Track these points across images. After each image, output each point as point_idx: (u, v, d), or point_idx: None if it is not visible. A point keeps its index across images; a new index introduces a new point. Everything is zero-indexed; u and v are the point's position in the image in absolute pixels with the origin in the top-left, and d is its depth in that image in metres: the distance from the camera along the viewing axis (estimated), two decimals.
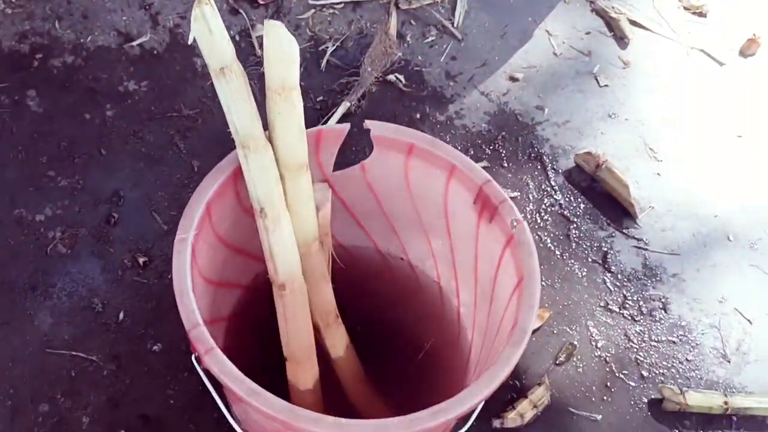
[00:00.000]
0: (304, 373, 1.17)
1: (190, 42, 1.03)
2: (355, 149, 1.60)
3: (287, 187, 1.10)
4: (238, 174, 1.10)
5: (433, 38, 1.89)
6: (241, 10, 1.81)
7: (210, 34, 1.00)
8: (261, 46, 1.76)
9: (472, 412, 1.11)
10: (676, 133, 1.84)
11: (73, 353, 1.38)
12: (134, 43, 1.74)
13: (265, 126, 1.08)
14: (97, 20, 1.75)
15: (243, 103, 1.04)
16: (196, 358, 1.01)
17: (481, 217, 1.16)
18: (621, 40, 1.96)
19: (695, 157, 1.81)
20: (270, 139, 1.08)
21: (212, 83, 1.66)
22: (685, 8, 2.05)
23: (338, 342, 1.25)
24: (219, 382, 0.98)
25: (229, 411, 1.12)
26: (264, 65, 1.04)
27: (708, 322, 1.59)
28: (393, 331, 1.37)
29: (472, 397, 0.97)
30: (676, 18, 2.03)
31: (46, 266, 1.46)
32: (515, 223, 1.10)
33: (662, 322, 1.57)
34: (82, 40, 1.72)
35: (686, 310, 1.59)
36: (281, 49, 1.01)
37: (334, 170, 1.23)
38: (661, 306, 1.59)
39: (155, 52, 1.73)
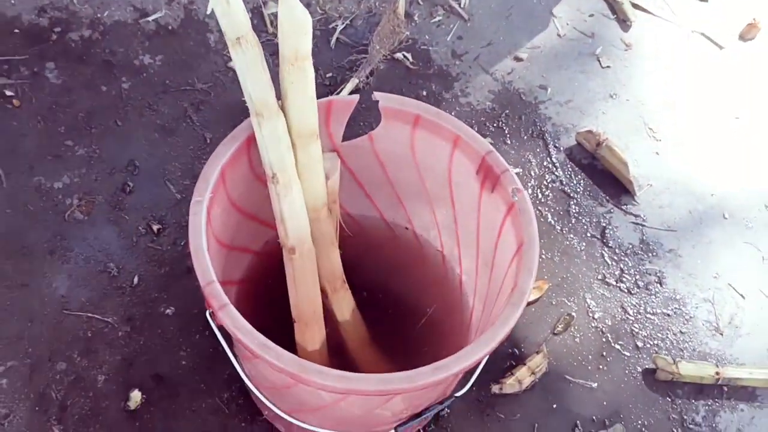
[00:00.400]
0: (311, 334, 1.22)
1: (208, 12, 1.08)
2: (362, 124, 1.64)
3: (298, 154, 1.15)
4: (251, 141, 1.15)
5: (440, 18, 1.93)
6: None
7: (227, 5, 1.05)
8: (272, 23, 1.81)
9: (473, 371, 1.16)
10: (675, 114, 1.88)
11: (90, 315, 1.44)
12: (150, 19, 1.78)
13: (278, 96, 1.13)
14: None
15: (258, 72, 1.09)
16: (210, 314, 1.06)
17: (483, 187, 1.21)
18: (623, 22, 2.00)
19: (694, 138, 1.85)
20: (283, 108, 1.13)
21: (225, 58, 1.73)
22: None
23: (345, 306, 1.30)
24: (231, 338, 1.03)
25: (241, 368, 1.17)
26: (278, 36, 1.09)
27: (702, 297, 1.64)
28: (397, 297, 1.42)
29: (472, 355, 1.02)
30: (677, 2, 2.07)
31: (64, 232, 1.51)
32: (516, 192, 1.15)
33: (657, 295, 1.62)
34: (99, 15, 1.77)
35: (681, 284, 1.65)
36: (295, 19, 1.06)
37: (342, 141, 1.28)
38: (656, 280, 1.64)
39: (170, 27, 1.78)
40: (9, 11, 1.73)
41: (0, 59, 1.66)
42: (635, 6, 2.03)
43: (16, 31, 1.71)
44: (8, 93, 1.63)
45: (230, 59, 1.72)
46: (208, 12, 1.07)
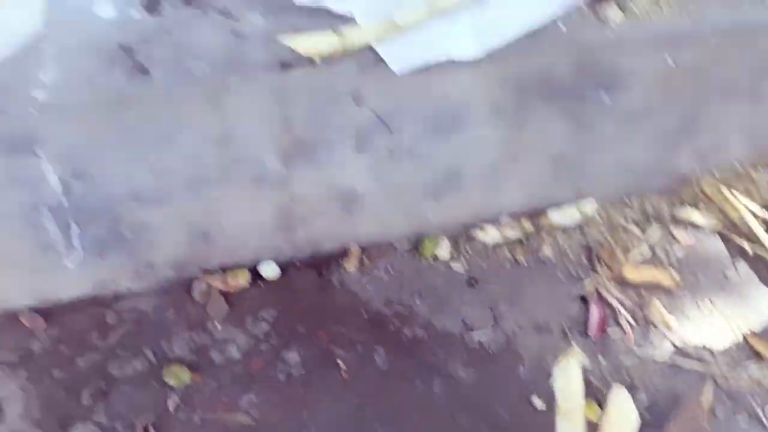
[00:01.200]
0: None
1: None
2: None
3: None
4: None
5: (744, 424, 1.94)
6: (573, 341, 1.99)
7: (567, 380, 1.20)
8: None
9: None
10: None
11: None
12: (474, 335, 1.98)
13: None
14: (451, 307, 2.04)
15: None
16: None
17: None
18: None
19: None
20: None
21: (530, 389, 1.86)
22: None
23: None
24: None
25: None
26: (603, 420, 1.20)
27: None
28: None
29: None
30: None
31: None
32: None
33: None
34: (433, 320, 2.00)
35: None
36: (623, 413, 1.18)
37: None
38: None
39: (489, 349, 1.96)
40: (362, 295, 2.02)
41: (344, 332, 1.92)
42: None
43: (364, 313, 1.98)
44: (340, 363, 1.86)
45: (534, 394, 1.84)
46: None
